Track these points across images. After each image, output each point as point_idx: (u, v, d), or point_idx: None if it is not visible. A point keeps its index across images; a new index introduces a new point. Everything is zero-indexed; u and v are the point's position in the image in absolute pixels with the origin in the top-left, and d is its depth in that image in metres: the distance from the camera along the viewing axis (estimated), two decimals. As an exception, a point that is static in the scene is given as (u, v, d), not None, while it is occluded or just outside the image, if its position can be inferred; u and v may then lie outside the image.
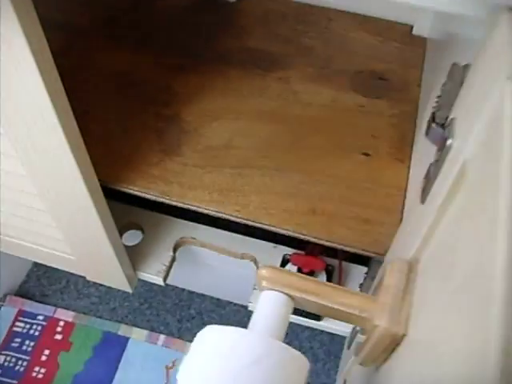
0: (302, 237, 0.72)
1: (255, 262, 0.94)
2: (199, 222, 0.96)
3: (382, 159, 0.79)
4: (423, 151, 0.75)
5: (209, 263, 1.00)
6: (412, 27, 0.95)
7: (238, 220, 0.74)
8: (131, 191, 0.76)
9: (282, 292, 0.52)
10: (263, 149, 0.79)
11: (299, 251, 0.90)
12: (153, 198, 0.75)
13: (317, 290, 0.52)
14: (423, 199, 0.49)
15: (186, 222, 0.96)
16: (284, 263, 0.90)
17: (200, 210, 0.74)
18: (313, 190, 0.76)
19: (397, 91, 0.87)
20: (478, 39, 0.46)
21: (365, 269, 0.90)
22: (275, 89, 0.86)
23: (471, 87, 0.44)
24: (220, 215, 0.74)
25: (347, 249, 0.72)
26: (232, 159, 0.78)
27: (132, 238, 0.95)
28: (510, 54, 0.35)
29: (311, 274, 0.86)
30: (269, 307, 0.52)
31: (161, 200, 0.75)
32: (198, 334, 0.49)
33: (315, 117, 0.83)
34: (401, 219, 0.74)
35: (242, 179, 0.76)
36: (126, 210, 0.96)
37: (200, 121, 0.82)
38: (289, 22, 0.95)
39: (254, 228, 0.97)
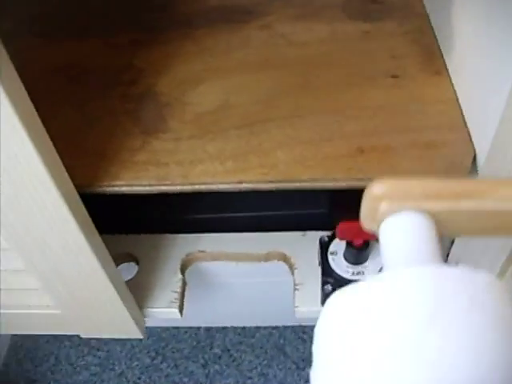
0: (358, 184, 0.52)
1: (285, 259, 0.72)
2: (204, 232, 0.74)
3: (415, 77, 0.61)
4: (465, 56, 0.57)
5: (227, 281, 0.77)
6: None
7: (270, 186, 0.53)
8: (117, 188, 0.54)
9: (416, 211, 0.31)
10: (270, 99, 0.59)
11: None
12: (147, 189, 0.54)
13: (468, 190, 0.31)
14: None
15: (187, 235, 0.74)
16: (323, 248, 0.69)
17: (214, 186, 0.53)
18: (350, 127, 0.56)
19: (399, 10, 0.70)
20: None
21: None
22: (259, 37, 0.67)
23: None
24: (243, 186, 0.53)
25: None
26: (235, 119, 0.58)
27: (125, 272, 0.72)
28: None
29: (365, 247, 0.64)
30: (408, 235, 0.31)
31: (158, 189, 0.54)
32: (326, 313, 0.27)
33: (318, 53, 0.64)
34: (468, 133, 0.55)
35: (256, 137, 0.56)
36: (111, 240, 0.73)
37: (180, 89, 0.61)
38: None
39: (271, 220, 0.76)
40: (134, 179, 0.53)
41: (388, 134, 0.55)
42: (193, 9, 0.72)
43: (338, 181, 0.52)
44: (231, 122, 0.57)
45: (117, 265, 0.72)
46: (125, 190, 0.54)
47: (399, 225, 0.31)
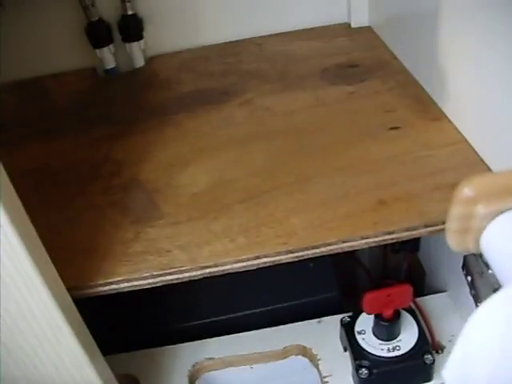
0: (390, 238, 0.46)
1: (304, 352, 0.63)
2: (208, 336, 0.66)
3: (415, 126, 0.58)
4: (462, 98, 0.55)
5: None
6: (349, 24, 0.79)
7: (291, 256, 0.46)
8: (115, 286, 0.46)
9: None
10: (269, 169, 0.54)
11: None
12: (149, 282, 0.46)
13: None
14: None
15: (191, 343, 0.65)
16: (348, 330, 0.61)
17: (229, 267, 0.46)
18: (364, 181, 0.51)
19: (377, 70, 0.68)
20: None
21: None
22: (241, 113, 0.64)
23: None
24: (261, 261, 0.46)
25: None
26: (236, 194, 0.52)
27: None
28: None
29: (397, 315, 0.57)
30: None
31: (163, 280, 0.46)
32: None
33: (307, 119, 0.61)
34: (488, 168, 0.51)
35: (264, 208, 0.50)
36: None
37: (167, 173, 0.56)
38: (215, 60, 0.75)
39: (280, 313, 0.68)
40: (134, 273, 0.46)
41: (406, 182, 0.50)
42: (166, 97, 0.69)
43: (367, 238, 0.46)
44: (232, 197, 0.52)
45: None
46: (124, 286, 0.46)
47: (508, 226, 0.25)
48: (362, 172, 0.52)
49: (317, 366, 0.62)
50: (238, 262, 0.46)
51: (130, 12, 0.73)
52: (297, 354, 0.64)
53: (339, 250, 0.46)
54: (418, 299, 0.65)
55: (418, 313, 0.62)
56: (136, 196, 0.54)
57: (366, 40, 0.75)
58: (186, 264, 0.46)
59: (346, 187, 0.51)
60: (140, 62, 0.76)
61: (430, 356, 0.56)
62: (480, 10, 0.48)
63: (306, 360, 0.64)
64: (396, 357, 0.57)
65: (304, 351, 0.64)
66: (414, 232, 0.46)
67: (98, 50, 0.74)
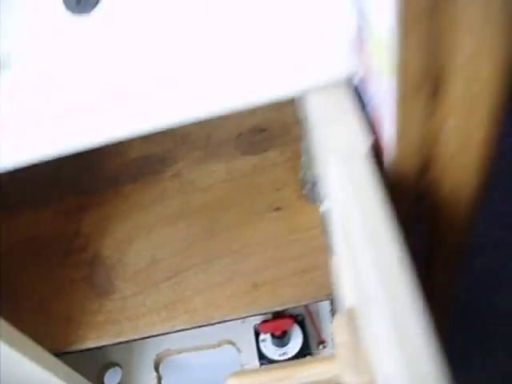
0: (257, 314, 0.77)
1: (232, 343, 0.98)
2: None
3: (292, 207, 0.85)
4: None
5: (193, 366, 1.03)
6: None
7: (195, 326, 0.78)
8: (87, 346, 0.79)
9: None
10: (185, 249, 0.84)
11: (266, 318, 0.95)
12: (108, 343, 0.79)
13: (285, 373, 0.56)
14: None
15: (155, 338, 0.99)
16: (257, 334, 0.95)
17: (155, 333, 0.78)
18: (246, 265, 0.81)
19: (280, 137, 0.94)
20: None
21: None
22: (173, 187, 0.91)
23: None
24: (176, 329, 0.78)
25: (299, 304, 0.77)
26: (163, 273, 0.83)
27: (113, 375, 0.99)
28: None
29: (285, 334, 0.90)
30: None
31: (117, 342, 0.79)
32: None
33: (218, 196, 0.89)
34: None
35: (179, 287, 0.81)
36: (100, 353, 0.99)
37: (119, 250, 0.86)
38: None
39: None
40: (99, 338, 0.79)
41: (275, 266, 0.80)
42: (116, 163, 0.96)
43: (240, 316, 0.77)
44: (160, 276, 0.82)
45: (105, 371, 0.98)
46: (92, 346, 0.79)
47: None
48: (247, 255, 0.82)
49: (239, 355, 0.97)
50: (160, 331, 0.78)
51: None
52: (227, 344, 0.99)
53: (224, 322, 0.78)
54: (313, 304, 0.98)
55: (307, 320, 0.95)
56: (98, 271, 0.85)
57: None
58: (131, 333, 0.78)
59: (233, 269, 0.81)
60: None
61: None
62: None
63: (234, 349, 0.99)
64: (285, 360, 0.91)
65: (232, 343, 0.98)
66: (272, 310, 0.77)
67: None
